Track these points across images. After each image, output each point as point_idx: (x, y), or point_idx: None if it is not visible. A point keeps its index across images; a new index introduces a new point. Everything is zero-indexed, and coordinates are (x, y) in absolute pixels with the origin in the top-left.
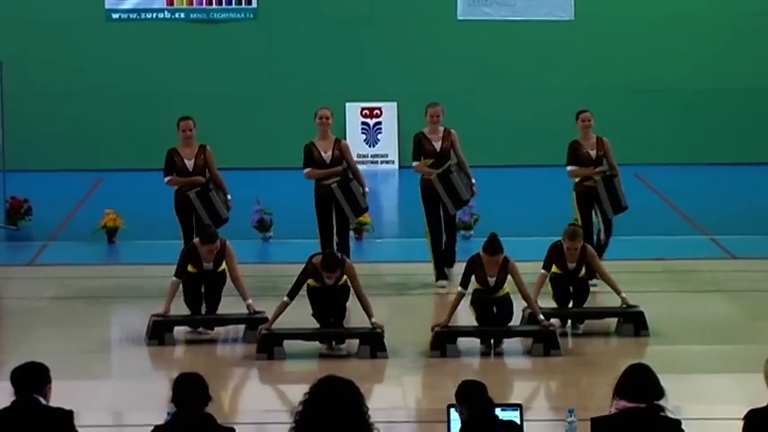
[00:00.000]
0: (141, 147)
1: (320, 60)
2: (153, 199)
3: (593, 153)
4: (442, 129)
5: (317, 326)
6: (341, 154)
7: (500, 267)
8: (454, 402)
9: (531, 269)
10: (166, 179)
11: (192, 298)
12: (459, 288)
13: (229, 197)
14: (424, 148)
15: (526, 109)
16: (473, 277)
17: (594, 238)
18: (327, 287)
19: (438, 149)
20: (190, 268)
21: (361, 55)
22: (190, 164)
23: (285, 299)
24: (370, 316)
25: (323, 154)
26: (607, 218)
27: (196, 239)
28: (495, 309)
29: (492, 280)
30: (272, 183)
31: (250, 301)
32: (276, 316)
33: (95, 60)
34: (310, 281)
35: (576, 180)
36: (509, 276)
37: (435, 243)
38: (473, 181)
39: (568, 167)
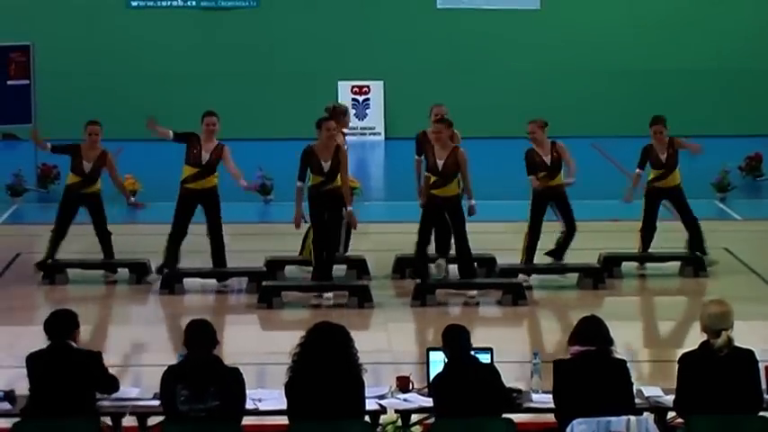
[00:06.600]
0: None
1: (315, 44)
2: (167, 166)
3: (663, 157)
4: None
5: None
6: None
7: (449, 153)
8: (434, 345)
9: (503, 229)
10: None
11: (180, 214)
12: (416, 156)
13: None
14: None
15: (497, 88)
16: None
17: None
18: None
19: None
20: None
21: (351, 39)
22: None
23: (298, 183)
24: (346, 205)
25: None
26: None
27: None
28: (446, 214)
29: (440, 163)
30: (273, 152)
31: (244, 182)
32: (299, 202)
33: (117, 42)
34: (312, 178)
35: (648, 179)
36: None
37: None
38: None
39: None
